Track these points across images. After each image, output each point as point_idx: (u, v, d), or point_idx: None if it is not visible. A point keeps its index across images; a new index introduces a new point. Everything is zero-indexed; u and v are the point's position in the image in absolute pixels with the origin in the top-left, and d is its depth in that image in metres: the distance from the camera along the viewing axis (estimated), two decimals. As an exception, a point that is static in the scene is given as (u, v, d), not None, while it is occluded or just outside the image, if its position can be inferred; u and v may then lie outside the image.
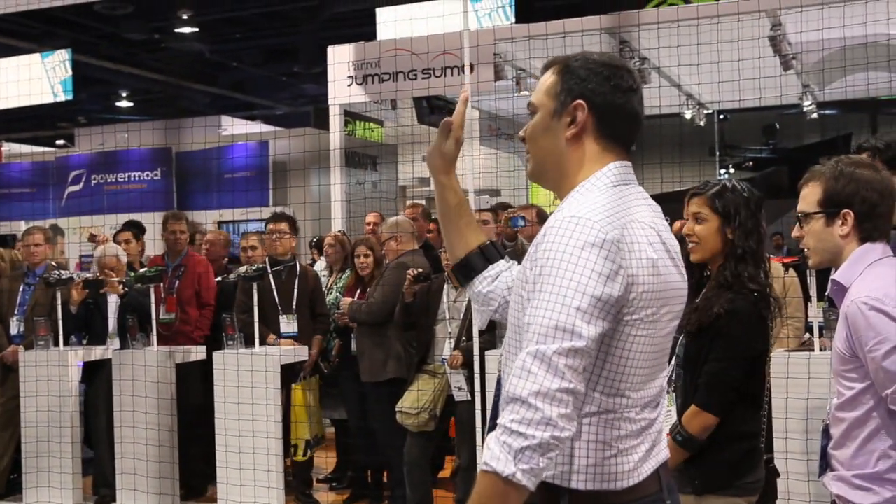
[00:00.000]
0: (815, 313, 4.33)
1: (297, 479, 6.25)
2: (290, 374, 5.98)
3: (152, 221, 7.50)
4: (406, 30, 8.76)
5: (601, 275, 1.74)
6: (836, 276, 2.51)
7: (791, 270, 4.52)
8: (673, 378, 3.03)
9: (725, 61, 6.77)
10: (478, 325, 5.02)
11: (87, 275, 6.66)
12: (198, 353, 6.27)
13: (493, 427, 1.74)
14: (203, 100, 19.51)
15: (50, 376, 6.15)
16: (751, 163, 20.12)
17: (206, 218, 12.13)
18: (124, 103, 20.65)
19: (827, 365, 3.08)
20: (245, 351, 5.81)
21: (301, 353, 6.07)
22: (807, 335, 4.69)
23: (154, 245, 8.19)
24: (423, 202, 9.25)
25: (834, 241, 2.50)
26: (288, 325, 6.11)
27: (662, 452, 1.94)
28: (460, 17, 5.63)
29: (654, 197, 1.97)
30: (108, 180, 13.60)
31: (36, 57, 9.61)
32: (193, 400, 6.22)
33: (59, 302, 6.24)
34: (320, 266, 7.28)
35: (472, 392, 5.24)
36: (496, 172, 11.73)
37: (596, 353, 1.77)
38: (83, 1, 8.84)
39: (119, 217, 8.69)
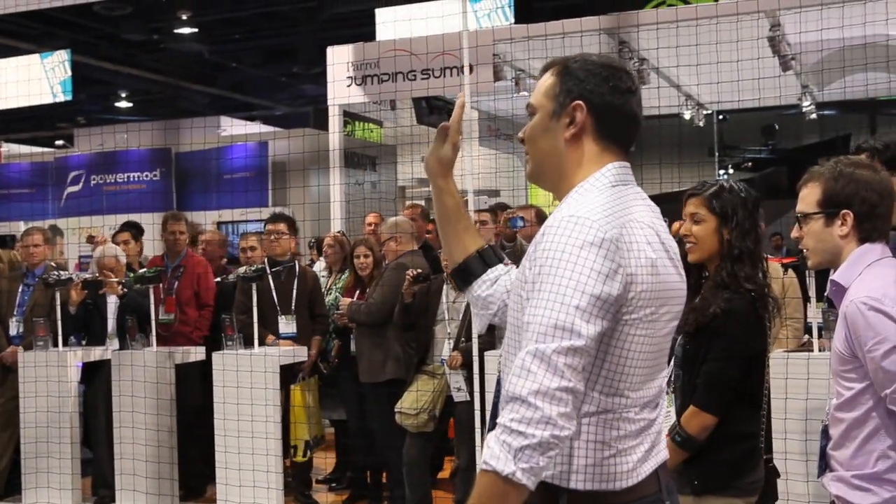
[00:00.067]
0: (815, 314, 4.33)
1: (297, 479, 6.25)
2: (289, 374, 5.99)
3: (152, 222, 7.51)
4: (405, 30, 8.77)
5: (600, 274, 1.74)
6: (835, 276, 2.51)
7: (790, 271, 4.52)
8: (672, 379, 3.03)
9: (724, 62, 6.77)
10: (477, 329, 5.01)
11: (87, 275, 6.66)
12: (197, 353, 6.27)
13: (493, 427, 1.74)
14: (202, 100, 19.52)
15: (49, 377, 6.14)
16: (750, 163, 20.14)
17: (206, 218, 12.13)
18: (123, 104, 20.65)
19: (826, 366, 3.08)
20: (244, 351, 5.81)
21: (300, 353, 6.07)
22: (806, 337, 4.69)
23: (153, 246, 8.19)
24: (423, 203, 9.26)
25: (833, 242, 2.51)
26: (287, 325, 6.11)
27: (662, 453, 1.94)
28: (459, 18, 5.63)
29: (653, 197, 1.97)
30: (108, 181, 13.60)
31: (35, 57, 9.62)
32: (192, 400, 6.22)
33: (58, 302, 6.24)
34: (319, 266, 7.28)
35: (471, 393, 5.24)
36: (495, 173, 11.73)
37: (595, 352, 1.78)
38: (82, 1, 8.83)
39: (118, 217, 8.69)
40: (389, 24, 9.26)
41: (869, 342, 2.32)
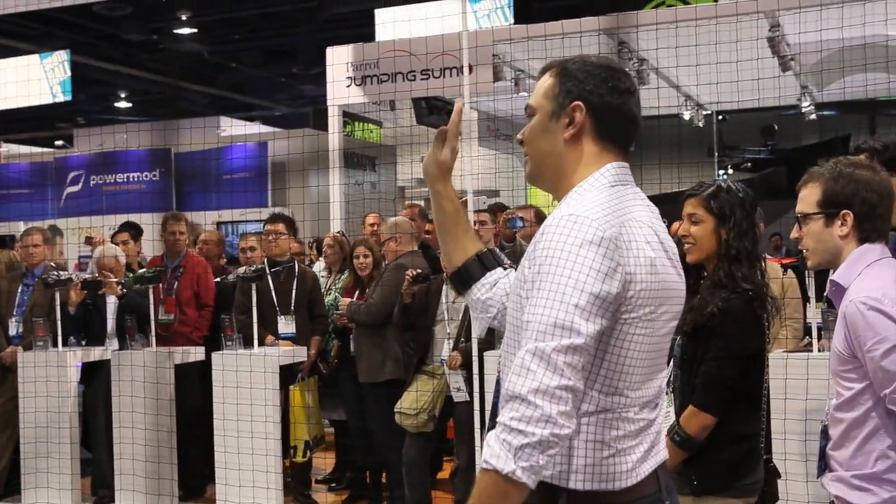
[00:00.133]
0: (814, 314, 4.33)
1: (296, 479, 6.25)
2: (288, 375, 5.99)
3: (151, 222, 7.50)
4: (405, 31, 8.78)
5: (599, 272, 1.75)
6: (834, 276, 2.51)
7: (789, 271, 4.52)
8: (671, 379, 3.03)
9: (724, 62, 6.76)
10: (476, 332, 5.01)
11: (86, 275, 6.66)
12: (196, 353, 6.26)
13: (493, 426, 1.74)
14: (202, 101, 19.52)
15: (49, 377, 6.14)
16: (749, 164, 20.15)
17: (205, 219, 12.13)
18: (123, 104, 20.66)
19: (825, 366, 3.09)
20: (244, 352, 5.81)
21: (300, 353, 6.07)
22: (806, 339, 4.69)
23: (153, 246, 8.19)
24: (422, 203, 9.26)
25: (833, 242, 2.51)
26: (286, 325, 6.11)
27: (661, 453, 1.94)
28: (459, 18, 5.64)
29: (653, 198, 1.98)
30: (107, 181, 13.60)
31: (35, 58, 9.63)
32: (192, 401, 6.22)
33: (57, 303, 6.24)
34: (319, 267, 7.28)
35: (470, 393, 5.24)
36: (495, 173, 11.73)
37: (594, 351, 1.78)
38: (82, 2, 8.83)
39: (118, 218, 8.70)
40: (389, 24, 9.27)
41: (868, 342, 2.33)
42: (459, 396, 5.33)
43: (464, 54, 5.49)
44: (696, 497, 2.95)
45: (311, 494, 6.27)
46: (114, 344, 6.36)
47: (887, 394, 2.32)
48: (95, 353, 6.39)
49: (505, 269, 2.17)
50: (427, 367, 5.58)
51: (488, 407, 4.46)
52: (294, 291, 6.25)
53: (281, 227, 6.39)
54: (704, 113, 12.55)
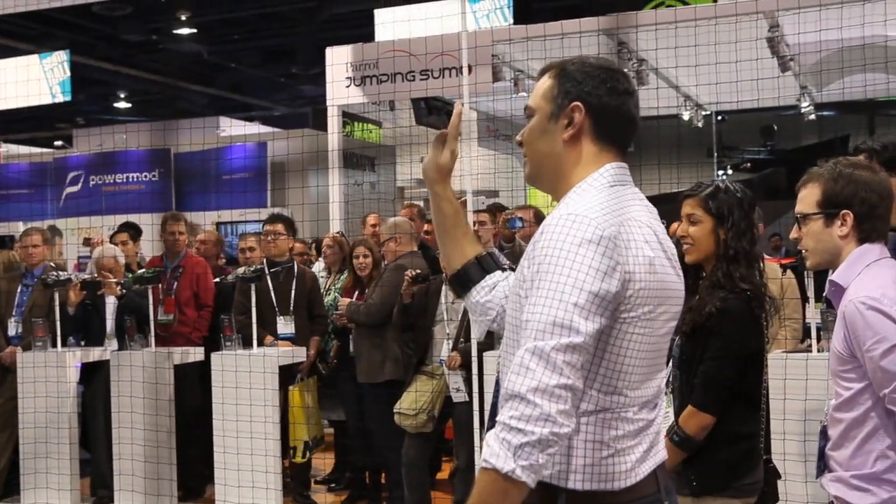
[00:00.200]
0: (813, 314, 4.33)
1: (296, 480, 6.25)
2: (287, 375, 5.98)
3: (151, 223, 7.50)
4: (404, 31, 8.78)
5: (598, 271, 1.75)
6: (834, 276, 2.51)
7: (789, 271, 4.52)
8: (670, 379, 3.03)
9: (723, 63, 6.77)
10: (475, 335, 5.01)
11: (85, 276, 6.66)
12: (196, 354, 6.27)
13: (492, 426, 1.74)
14: (201, 101, 19.52)
15: (48, 377, 6.14)
16: (749, 164, 20.15)
17: (205, 219, 12.11)
18: (122, 104, 20.67)
19: (824, 366, 3.09)
20: (243, 352, 5.81)
21: (299, 354, 6.07)
22: (806, 341, 4.69)
23: (153, 246, 8.19)
24: (421, 203, 9.26)
25: (833, 242, 2.51)
26: (285, 326, 6.11)
27: (660, 453, 1.94)
28: (458, 19, 5.63)
29: (652, 198, 1.98)
30: (107, 181, 13.58)
31: (34, 58, 9.64)
32: (191, 401, 6.22)
33: (56, 303, 6.24)
34: (318, 267, 7.28)
35: (470, 393, 5.24)
36: (494, 174, 11.73)
37: (594, 350, 1.78)
38: (81, 2, 8.83)
39: (117, 218, 8.69)
40: (388, 24, 9.28)
41: (868, 342, 2.33)
42: (459, 397, 5.33)
43: (463, 54, 5.49)
44: (695, 497, 2.95)
45: (311, 495, 6.27)
46: (113, 344, 6.36)
47: (886, 394, 2.32)
48: (95, 354, 6.38)
49: (504, 271, 2.17)
50: (426, 368, 5.58)
51: (487, 407, 4.46)
52: (293, 292, 6.25)
53: (280, 227, 6.39)
54: (704, 113, 12.55)
